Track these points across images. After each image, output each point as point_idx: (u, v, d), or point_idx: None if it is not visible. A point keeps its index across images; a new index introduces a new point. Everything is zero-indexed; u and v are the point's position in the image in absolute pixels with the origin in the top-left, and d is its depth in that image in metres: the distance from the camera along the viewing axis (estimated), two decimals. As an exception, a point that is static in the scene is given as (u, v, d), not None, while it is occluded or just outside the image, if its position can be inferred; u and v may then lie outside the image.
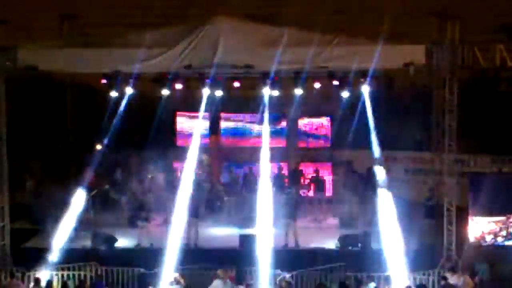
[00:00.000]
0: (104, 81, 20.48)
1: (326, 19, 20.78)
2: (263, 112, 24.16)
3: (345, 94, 21.01)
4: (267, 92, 21.03)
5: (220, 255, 20.41)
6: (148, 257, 20.40)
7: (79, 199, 22.35)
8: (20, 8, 20.64)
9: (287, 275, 18.92)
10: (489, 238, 20.13)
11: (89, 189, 23.54)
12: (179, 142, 26.85)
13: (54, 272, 19.63)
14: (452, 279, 18.04)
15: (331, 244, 21.35)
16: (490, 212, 20.01)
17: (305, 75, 19.82)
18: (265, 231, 21.33)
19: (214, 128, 26.74)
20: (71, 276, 19.74)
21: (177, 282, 18.56)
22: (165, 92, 21.03)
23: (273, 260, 20.08)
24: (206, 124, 26.39)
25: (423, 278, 19.38)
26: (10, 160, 20.44)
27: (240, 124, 26.77)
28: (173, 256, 20.08)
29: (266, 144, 22.76)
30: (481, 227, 20.07)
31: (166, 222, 22.54)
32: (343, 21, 20.89)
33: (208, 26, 19.46)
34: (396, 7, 19.85)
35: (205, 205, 23.98)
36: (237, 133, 26.78)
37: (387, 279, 18.11)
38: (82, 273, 19.82)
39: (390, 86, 20.64)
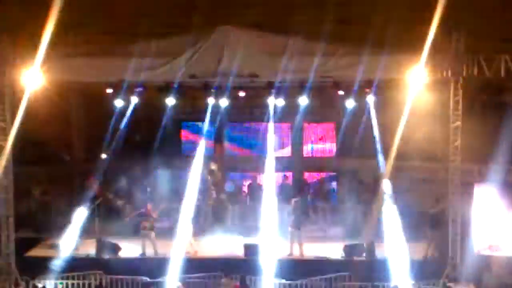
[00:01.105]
0: (109, 90, 20.54)
1: (331, 28, 20.74)
2: (268, 121, 24.21)
3: (350, 103, 21.08)
4: (272, 101, 21.08)
5: (225, 264, 20.39)
6: (152, 266, 20.43)
7: (83, 207, 22.41)
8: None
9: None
10: None
11: (94, 198, 23.58)
12: (184, 151, 26.90)
13: (59, 281, 19.62)
14: (457, 289, 18.02)
15: (336, 253, 21.32)
16: None
17: (310, 84, 19.83)
18: (270, 240, 21.36)
19: (219, 137, 26.78)
20: (75, 285, 19.74)
21: None
22: (170, 101, 21.12)
23: (277, 269, 20.10)
24: (211, 133, 26.47)
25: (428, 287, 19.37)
26: (16, 168, 20.48)
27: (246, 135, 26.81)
28: (177, 264, 20.16)
29: (271, 153, 22.80)
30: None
31: (170, 231, 22.48)
32: (348, 31, 20.87)
33: (213, 35, 19.50)
34: (402, 17, 19.84)
35: (211, 214, 24.02)
36: (243, 143, 26.82)
37: (391, 289, 18.09)
38: (86, 281, 19.83)
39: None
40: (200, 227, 23.13)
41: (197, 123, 26.53)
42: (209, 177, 24.44)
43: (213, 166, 25.12)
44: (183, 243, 21.21)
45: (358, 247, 21.21)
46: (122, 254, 21.41)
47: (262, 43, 19.50)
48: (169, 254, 21.09)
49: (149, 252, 21.41)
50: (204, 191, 23.95)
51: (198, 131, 26.57)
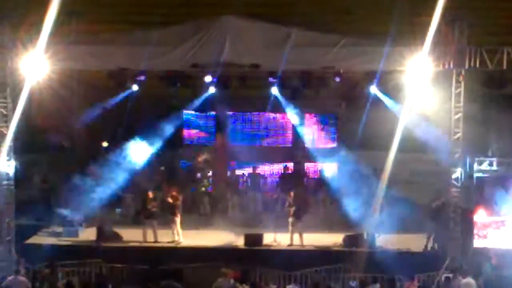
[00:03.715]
0: (110, 78, 20.50)
1: (333, 19, 20.73)
2: (269, 111, 24.27)
3: (352, 94, 21.07)
4: (274, 92, 21.07)
5: (225, 254, 20.41)
6: (153, 255, 20.46)
7: (84, 195, 22.44)
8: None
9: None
10: None
11: (95, 186, 23.60)
12: (186, 140, 26.92)
13: (59, 269, 19.63)
14: (456, 280, 18.01)
15: (336, 244, 21.35)
16: None
17: (312, 75, 19.80)
18: (270, 231, 21.39)
19: (220, 127, 26.78)
20: (75, 273, 19.76)
21: None
22: (172, 90, 21.09)
23: (277, 259, 20.13)
24: (212, 123, 26.51)
25: (427, 279, 19.37)
26: (17, 155, 20.48)
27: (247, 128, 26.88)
28: (178, 254, 20.21)
29: (272, 144, 22.86)
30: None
31: (170, 220, 22.53)
32: (350, 22, 20.84)
33: (215, 25, 19.47)
34: (404, 8, 19.78)
35: (210, 204, 24.06)
36: (244, 133, 26.87)
37: (391, 281, 18.07)
38: (86, 269, 19.86)
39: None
40: (200, 217, 23.21)
41: (198, 112, 26.53)
42: (204, 167, 24.54)
43: (206, 156, 25.19)
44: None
45: (358, 238, 21.25)
46: (123, 242, 21.45)
47: (264, 33, 19.48)
48: (170, 242, 21.25)
49: (150, 240, 21.45)
50: (199, 181, 24.06)
51: (199, 121, 26.61)
